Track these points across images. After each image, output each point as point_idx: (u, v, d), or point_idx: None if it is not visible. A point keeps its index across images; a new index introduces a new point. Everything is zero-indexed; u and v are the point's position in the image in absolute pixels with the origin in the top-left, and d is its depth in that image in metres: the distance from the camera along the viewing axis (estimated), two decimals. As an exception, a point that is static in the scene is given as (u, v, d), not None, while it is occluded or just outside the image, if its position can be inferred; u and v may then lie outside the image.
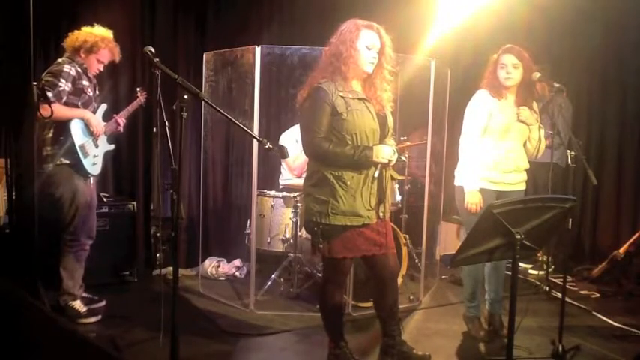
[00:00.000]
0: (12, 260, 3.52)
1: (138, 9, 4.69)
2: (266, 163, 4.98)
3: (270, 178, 5.01)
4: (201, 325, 3.63)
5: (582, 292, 4.52)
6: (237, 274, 4.72)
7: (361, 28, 2.75)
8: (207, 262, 4.69)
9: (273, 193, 4.32)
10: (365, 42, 2.73)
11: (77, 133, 3.49)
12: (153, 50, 2.37)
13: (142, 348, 3.17)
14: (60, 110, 3.37)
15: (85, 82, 3.57)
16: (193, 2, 4.96)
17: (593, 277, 4.77)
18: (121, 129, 3.89)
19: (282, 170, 4.67)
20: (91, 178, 3.64)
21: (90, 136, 3.59)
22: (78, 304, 3.57)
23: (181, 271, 4.57)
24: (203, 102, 2.67)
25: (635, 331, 3.64)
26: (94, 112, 3.68)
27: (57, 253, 3.61)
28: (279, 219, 4.23)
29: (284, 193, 4.26)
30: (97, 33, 3.60)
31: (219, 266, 4.68)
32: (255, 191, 3.94)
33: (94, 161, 3.61)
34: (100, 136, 3.68)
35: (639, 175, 5.17)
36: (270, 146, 2.66)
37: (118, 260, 4.33)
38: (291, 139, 4.51)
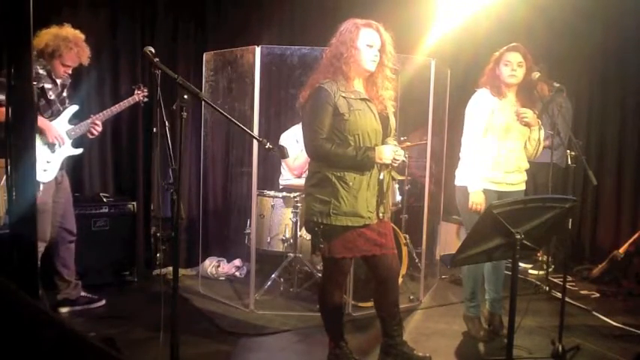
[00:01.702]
0: (12, 260, 3.51)
1: (138, 9, 4.69)
2: (266, 163, 4.98)
3: (270, 178, 5.01)
4: (201, 325, 3.63)
5: (582, 292, 4.52)
6: (237, 274, 4.72)
7: (360, 27, 2.75)
8: (207, 262, 4.69)
9: (273, 193, 4.32)
10: (365, 40, 2.73)
11: None
12: (153, 50, 2.37)
13: (142, 348, 3.17)
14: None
15: (47, 85, 3.43)
16: (193, 2, 4.96)
17: (593, 277, 4.77)
18: (96, 132, 3.65)
19: (282, 170, 4.67)
20: (41, 185, 3.42)
21: (44, 142, 3.42)
22: None
23: (181, 271, 4.57)
24: (203, 102, 2.67)
25: (635, 331, 3.64)
26: (57, 114, 3.53)
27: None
28: (279, 219, 4.23)
29: (284, 193, 4.26)
30: (62, 35, 3.39)
31: (219, 266, 4.68)
32: (255, 191, 3.94)
33: (44, 167, 3.44)
34: (58, 142, 3.49)
35: (639, 175, 5.17)
36: (271, 146, 2.66)
37: (118, 260, 4.33)
38: (292, 138, 4.51)
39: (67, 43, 3.41)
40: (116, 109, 3.75)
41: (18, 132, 3.49)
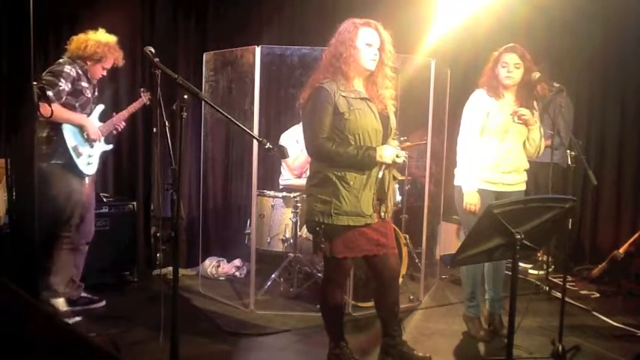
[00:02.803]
0: (12, 260, 3.52)
1: (138, 9, 4.69)
2: (266, 163, 4.98)
3: (270, 178, 5.01)
4: (201, 325, 3.63)
5: (582, 292, 4.52)
6: (237, 274, 4.72)
7: (359, 27, 2.75)
8: (207, 262, 4.69)
9: (273, 193, 4.32)
10: (364, 40, 2.73)
11: (69, 134, 3.49)
12: (153, 50, 2.37)
13: (142, 348, 3.17)
14: (60, 112, 3.39)
15: (84, 84, 3.59)
16: (193, 2, 4.96)
17: (593, 277, 4.76)
18: (120, 128, 3.90)
19: (282, 170, 4.67)
20: (86, 178, 3.63)
21: (84, 137, 3.60)
22: (60, 303, 3.56)
23: (181, 271, 4.56)
24: (203, 102, 2.67)
25: (635, 331, 3.64)
26: (90, 112, 3.69)
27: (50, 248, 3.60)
28: (279, 219, 4.23)
29: (284, 193, 4.26)
30: (104, 42, 3.59)
31: (219, 266, 4.68)
32: (255, 191, 3.94)
33: (88, 161, 3.62)
34: (97, 138, 3.70)
35: (639, 175, 5.17)
36: (270, 146, 2.66)
37: (118, 260, 4.32)
38: (292, 138, 4.51)
39: (110, 49, 3.62)
40: (132, 108, 3.94)
41: (18, 132, 3.50)
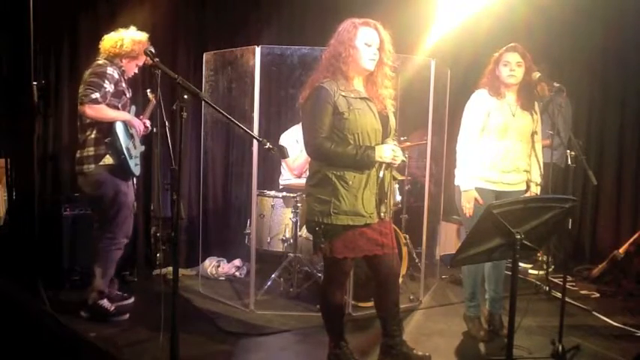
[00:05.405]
0: (12, 260, 3.52)
1: (137, 9, 4.69)
2: (266, 163, 4.98)
3: (270, 178, 5.01)
4: (201, 325, 3.63)
5: (582, 292, 4.52)
6: (237, 274, 4.72)
7: (358, 27, 2.75)
8: (207, 262, 4.69)
9: (273, 193, 4.32)
10: (363, 39, 2.73)
11: (122, 135, 3.49)
12: (153, 50, 2.38)
13: (142, 348, 3.17)
14: (106, 112, 3.39)
15: (124, 85, 3.58)
16: (193, 2, 4.96)
17: (593, 277, 4.77)
18: (146, 130, 3.88)
19: (282, 170, 4.67)
20: (134, 179, 3.65)
21: (130, 138, 3.59)
22: (106, 303, 3.56)
23: (181, 271, 4.56)
24: (203, 102, 2.67)
25: (635, 331, 3.64)
26: (129, 112, 3.69)
27: (91, 252, 3.63)
28: (279, 219, 4.23)
29: (284, 193, 4.26)
30: (138, 39, 3.56)
31: (219, 266, 4.68)
32: (255, 191, 3.94)
33: (136, 162, 3.62)
34: (138, 137, 3.70)
35: (639, 175, 5.17)
36: (270, 146, 2.66)
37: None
38: (292, 139, 4.51)
39: (144, 46, 3.54)
40: (149, 111, 3.90)
41: (18, 132, 3.50)
